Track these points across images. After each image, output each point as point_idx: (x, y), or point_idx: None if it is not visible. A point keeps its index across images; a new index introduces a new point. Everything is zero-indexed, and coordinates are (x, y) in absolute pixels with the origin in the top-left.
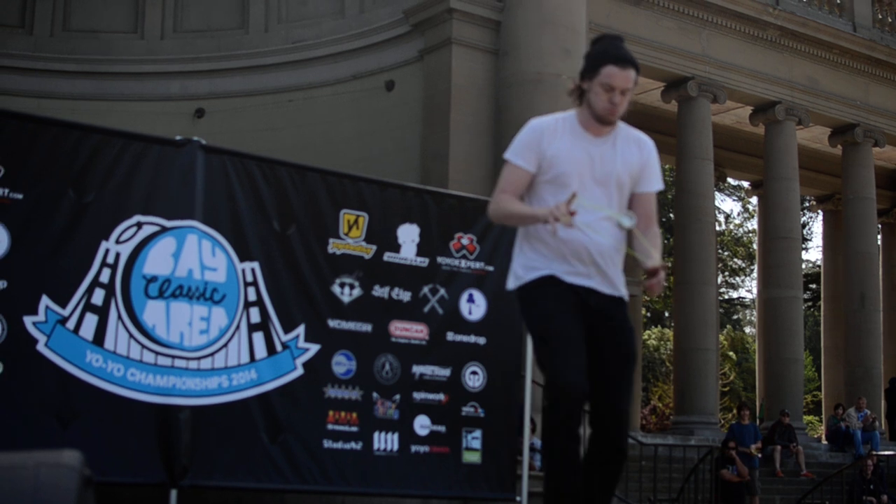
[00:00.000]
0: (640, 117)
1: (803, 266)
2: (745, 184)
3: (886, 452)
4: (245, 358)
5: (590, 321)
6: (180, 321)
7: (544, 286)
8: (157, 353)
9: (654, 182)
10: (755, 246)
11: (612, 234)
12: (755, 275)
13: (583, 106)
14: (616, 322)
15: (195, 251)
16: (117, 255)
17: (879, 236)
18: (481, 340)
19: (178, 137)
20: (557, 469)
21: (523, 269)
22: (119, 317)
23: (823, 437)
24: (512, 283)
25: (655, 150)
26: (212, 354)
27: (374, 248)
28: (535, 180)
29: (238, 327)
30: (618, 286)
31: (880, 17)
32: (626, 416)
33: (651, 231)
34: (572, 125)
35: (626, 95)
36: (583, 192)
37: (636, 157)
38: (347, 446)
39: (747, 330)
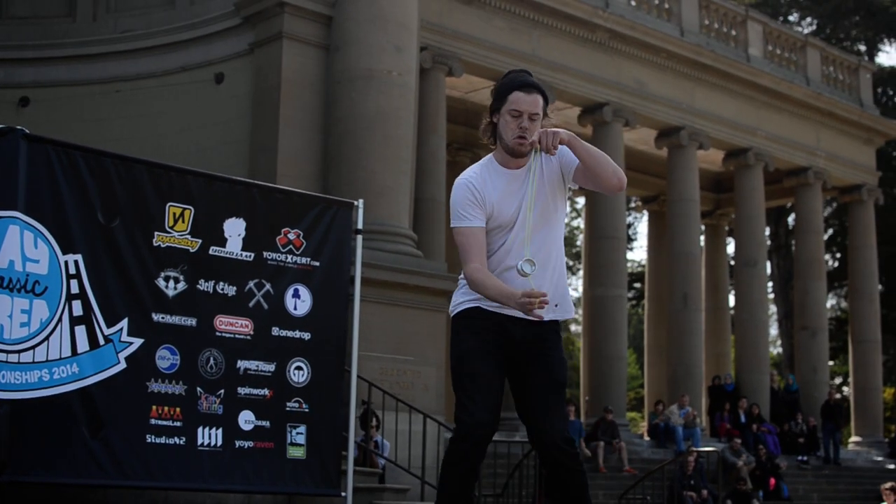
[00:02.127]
0: (469, 116)
1: (628, 265)
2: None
3: (707, 448)
4: (67, 351)
5: (513, 352)
6: (0, 313)
7: (470, 318)
8: None
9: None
10: (581, 244)
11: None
12: (581, 273)
13: (497, 145)
14: (544, 347)
15: (17, 242)
16: None
17: (702, 237)
18: (306, 336)
19: (0, 126)
20: (445, 500)
21: (457, 298)
22: None
23: (645, 433)
24: (450, 311)
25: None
26: (32, 348)
27: (199, 241)
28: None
29: (60, 320)
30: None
31: (707, 22)
32: (562, 435)
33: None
34: (493, 168)
35: (536, 122)
36: (523, 226)
37: (554, 160)
38: (171, 441)
39: (572, 328)
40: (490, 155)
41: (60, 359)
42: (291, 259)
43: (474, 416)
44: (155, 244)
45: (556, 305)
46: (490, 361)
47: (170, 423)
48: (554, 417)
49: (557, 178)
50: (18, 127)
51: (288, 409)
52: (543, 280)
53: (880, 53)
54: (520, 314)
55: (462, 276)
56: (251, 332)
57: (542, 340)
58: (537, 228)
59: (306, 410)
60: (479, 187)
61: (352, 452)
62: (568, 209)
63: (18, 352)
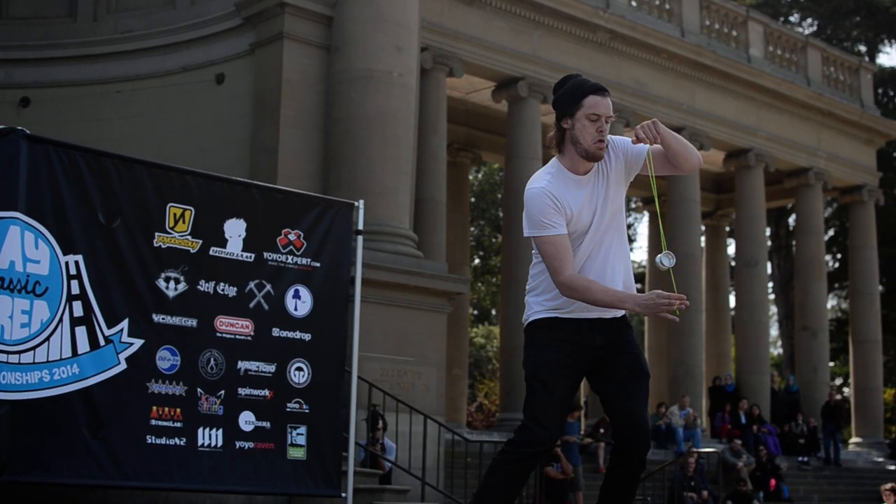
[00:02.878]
0: (470, 116)
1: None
2: None
3: (707, 449)
4: (67, 352)
5: (593, 357)
6: (1, 314)
7: (549, 328)
8: None
9: (637, 146)
10: None
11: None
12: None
13: (563, 153)
14: (622, 343)
15: (17, 243)
16: None
17: (703, 238)
18: (307, 336)
19: (1, 126)
20: (491, 494)
21: (534, 307)
22: None
23: None
24: (524, 317)
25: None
26: (33, 348)
27: (200, 242)
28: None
29: (61, 321)
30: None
31: (707, 23)
32: (648, 423)
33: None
34: (564, 175)
35: (608, 125)
36: (597, 232)
37: (613, 160)
38: (171, 442)
39: None
40: (555, 160)
41: (61, 359)
42: (292, 260)
43: (548, 429)
44: (155, 245)
45: None
46: (568, 376)
47: (170, 423)
48: (643, 404)
49: (622, 175)
50: (19, 127)
51: (288, 409)
52: (616, 278)
53: (881, 54)
54: (599, 315)
55: (532, 283)
56: (252, 333)
57: (621, 336)
58: (609, 230)
59: (307, 411)
60: (557, 195)
61: (352, 453)
62: None
63: (19, 352)
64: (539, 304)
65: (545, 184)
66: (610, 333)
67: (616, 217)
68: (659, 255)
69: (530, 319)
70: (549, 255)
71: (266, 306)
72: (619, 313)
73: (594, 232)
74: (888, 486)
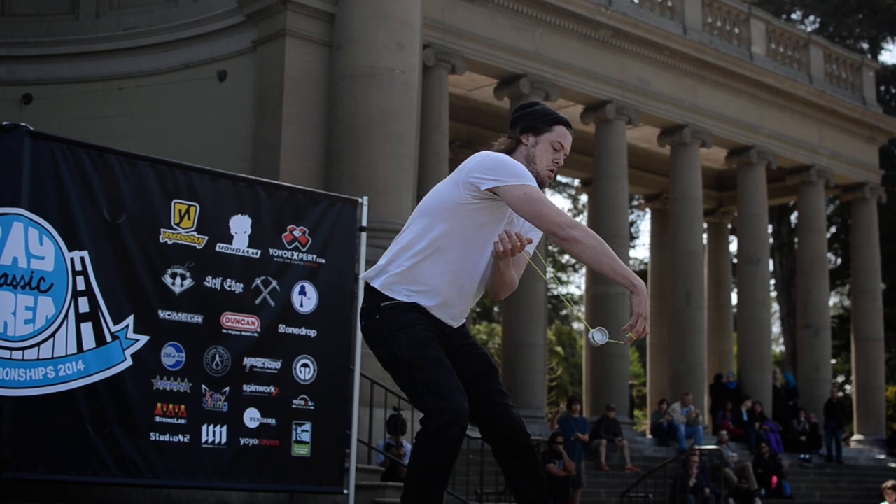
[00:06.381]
0: (472, 113)
1: (631, 263)
2: (576, 181)
3: (709, 447)
4: (73, 348)
5: (448, 348)
6: (4, 310)
7: (414, 311)
8: None
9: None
10: None
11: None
12: (583, 271)
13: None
14: (471, 341)
15: (21, 239)
16: None
17: (705, 235)
18: (312, 333)
19: (4, 123)
20: (428, 494)
21: (399, 287)
22: None
23: (648, 431)
24: (378, 283)
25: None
26: (37, 345)
27: (205, 238)
28: (479, 203)
29: (66, 317)
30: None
31: (710, 20)
32: (517, 418)
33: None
34: None
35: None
36: (494, 233)
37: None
38: (175, 439)
39: (574, 325)
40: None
41: (66, 356)
42: (297, 256)
43: (459, 401)
44: (161, 241)
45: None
46: (444, 353)
47: (174, 420)
48: (505, 399)
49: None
50: (22, 124)
51: (294, 406)
52: (471, 299)
53: (883, 51)
54: (448, 320)
55: (402, 261)
56: (258, 330)
57: (465, 335)
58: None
59: (312, 408)
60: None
61: (354, 449)
62: (570, 206)
63: (23, 349)
64: (404, 289)
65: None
66: (455, 331)
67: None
68: (591, 331)
69: (392, 301)
70: (549, 207)
71: (272, 303)
72: (463, 321)
73: (495, 231)
74: (889, 483)
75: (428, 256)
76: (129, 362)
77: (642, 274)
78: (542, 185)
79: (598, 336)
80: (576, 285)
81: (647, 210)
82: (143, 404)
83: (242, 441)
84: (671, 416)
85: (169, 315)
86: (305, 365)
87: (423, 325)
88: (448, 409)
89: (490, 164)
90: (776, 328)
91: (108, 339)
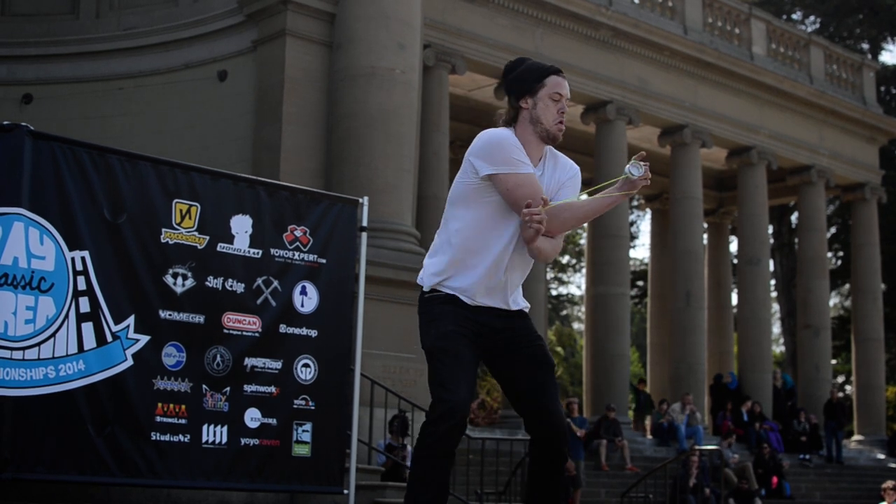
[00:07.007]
0: (472, 113)
1: (631, 263)
2: None
3: (709, 447)
4: (73, 348)
5: (497, 339)
6: (4, 310)
7: (449, 304)
8: None
9: (571, 184)
10: (584, 242)
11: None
12: (584, 271)
13: (517, 135)
14: (527, 332)
15: (21, 239)
16: None
17: (705, 235)
18: (313, 333)
19: (5, 123)
20: (424, 485)
21: (434, 278)
22: None
23: (648, 431)
24: (419, 276)
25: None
26: (38, 345)
27: (206, 238)
28: (486, 182)
29: (67, 317)
30: (518, 301)
31: (710, 21)
32: (563, 419)
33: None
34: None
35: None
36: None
37: (557, 174)
38: (175, 439)
39: (575, 326)
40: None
41: (67, 356)
42: (298, 256)
43: (457, 393)
44: (162, 241)
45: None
46: (471, 347)
47: (175, 420)
48: (555, 394)
49: (553, 191)
50: (23, 123)
51: (295, 406)
52: (514, 275)
53: (883, 52)
54: (496, 303)
55: (440, 255)
56: (259, 330)
57: (520, 326)
58: None
59: (312, 408)
60: (519, 146)
61: (354, 449)
62: None
63: (23, 349)
64: (439, 279)
65: (509, 134)
66: (508, 320)
67: None
68: (627, 166)
69: (428, 294)
70: (528, 193)
71: (273, 303)
72: (522, 305)
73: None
74: (889, 483)
75: (456, 244)
76: (129, 362)
77: (642, 274)
78: (554, 140)
79: (635, 170)
80: (576, 285)
81: (648, 210)
82: (144, 404)
83: (243, 441)
84: (671, 416)
85: (170, 315)
86: (306, 365)
87: (452, 318)
88: (445, 400)
89: (488, 149)
90: (776, 328)
91: (109, 338)
